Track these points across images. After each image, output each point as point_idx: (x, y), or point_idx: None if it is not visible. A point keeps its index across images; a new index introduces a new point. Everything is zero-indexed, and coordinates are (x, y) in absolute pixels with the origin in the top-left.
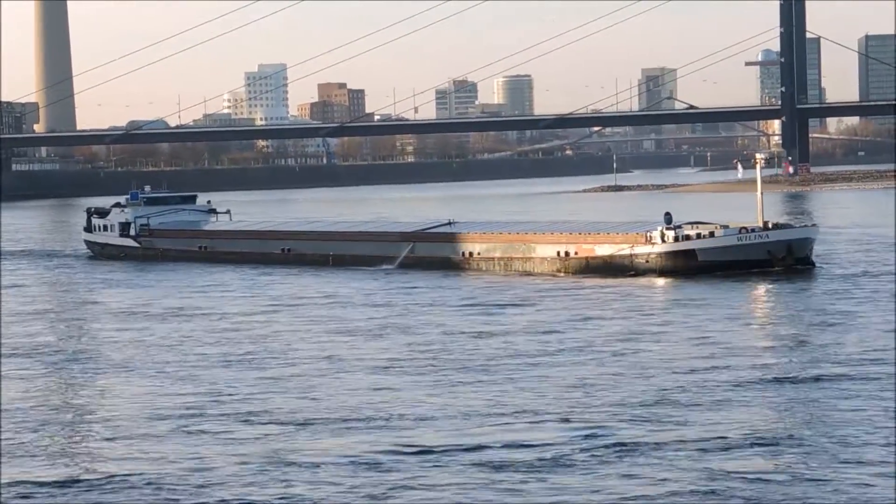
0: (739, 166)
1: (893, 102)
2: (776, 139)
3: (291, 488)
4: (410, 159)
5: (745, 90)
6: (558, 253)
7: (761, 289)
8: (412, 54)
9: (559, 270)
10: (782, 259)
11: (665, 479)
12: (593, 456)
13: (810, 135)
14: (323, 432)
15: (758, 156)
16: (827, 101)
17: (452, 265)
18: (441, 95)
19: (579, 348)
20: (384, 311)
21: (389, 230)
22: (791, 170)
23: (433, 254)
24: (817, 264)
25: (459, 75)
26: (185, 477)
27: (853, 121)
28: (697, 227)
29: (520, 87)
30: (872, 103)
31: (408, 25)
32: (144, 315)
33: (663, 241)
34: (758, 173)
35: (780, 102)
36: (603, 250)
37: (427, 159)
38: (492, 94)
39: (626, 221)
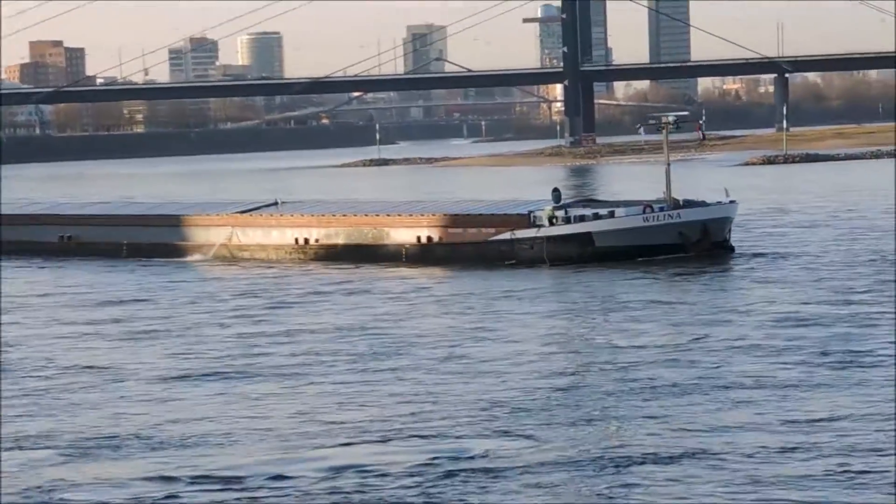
0: (642, 131)
1: (687, 64)
2: (558, 105)
3: None
4: (140, 130)
5: (524, 51)
6: (418, 239)
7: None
8: (141, 8)
9: (419, 259)
10: (697, 243)
11: None
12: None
13: (596, 101)
14: (101, 458)
15: (666, 117)
16: (614, 63)
17: (283, 255)
18: (176, 56)
19: (396, 351)
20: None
21: (201, 213)
22: (702, 133)
23: (256, 241)
24: (737, 248)
25: (197, 32)
26: None
27: (643, 85)
28: (592, 206)
29: (268, 46)
30: (664, 65)
31: None
32: None
33: (552, 223)
34: (665, 139)
35: (561, 64)
36: (475, 235)
37: (160, 129)
38: (235, 53)
39: (503, 200)
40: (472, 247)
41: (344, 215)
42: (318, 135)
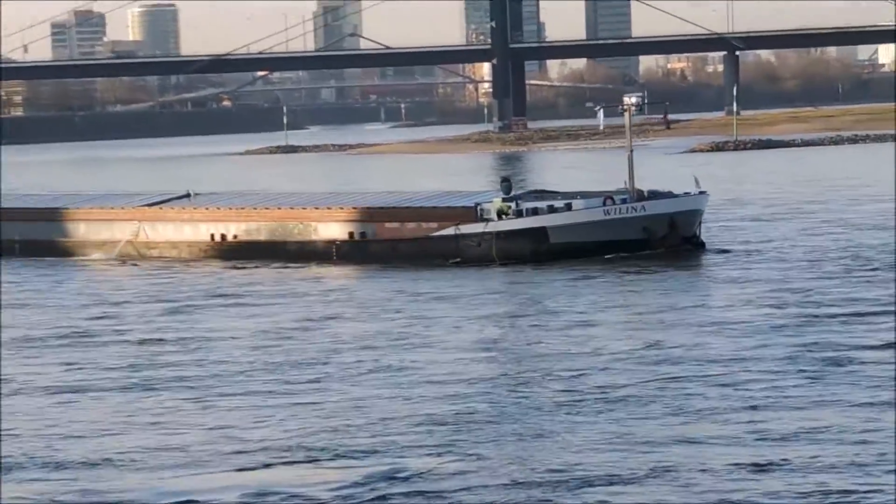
0: (600, 114)
1: (628, 40)
2: (486, 87)
3: None
4: (19, 113)
5: (448, 26)
6: (351, 234)
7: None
8: None
9: (352, 257)
10: (663, 238)
11: None
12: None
13: (527, 81)
14: None
15: (627, 99)
16: (547, 40)
17: (198, 253)
18: (59, 30)
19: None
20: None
21: (104, 206)
22: (666, 119)
23: (167, 238)
24: (707, 245)
25: (82, 5)
26: None
27: (579, 64)
28: (546, 198)
29: (161, 20)
30: (602, 42)
31: None
32: None
33: (501, 216)
34: (627, 122)
35: (489, 41)
36: (415, 230)
37: (41, 113)
38: (125, 28)
39: (447, 191)
40: (411, 243)
41: (266, 208)
42: (219, 119)
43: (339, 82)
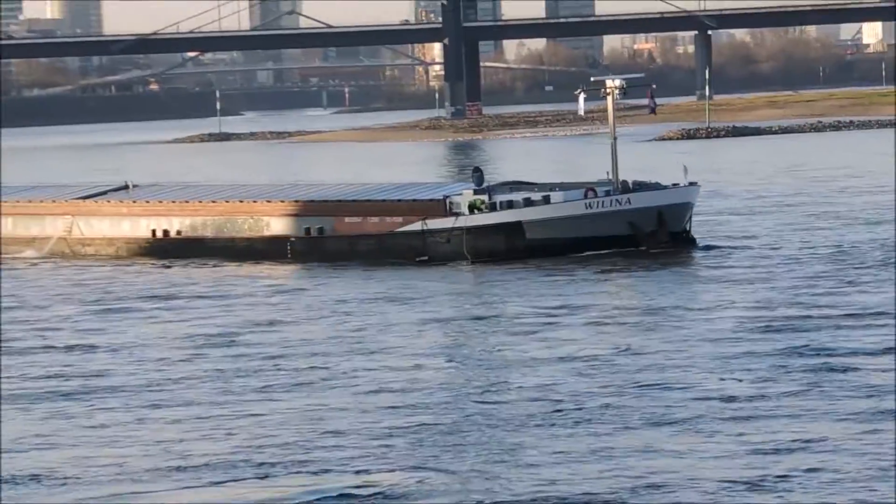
0: (581, 98)
1: (591, 19)
2: (437, 69)
3: None
4: None
5: (395, 4)
6: (307, 230)
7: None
8: None
9: (307, 254)
10: (651, 234)
11: None
12: None
13: (482, 63)
14: None
15: (610, 81)
16: (503, 19)
17: (138, 250)
18: None
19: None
20: None
21: (34, 198)
22: (652, 103)
23: (103, 234)
24: (699, 241)
25: None
26: None
27: (539, 45)
28: (522, 190)
29: None
30: (563, 21)
31: None
32: None
33: (473, 210)
34: (610, 107)
35: (440, 20)
36: (378, 225)
37: None
38: (42, 6)
39: (406, 183)
40: (373, 240)
41: (213, 201)
42: (146, 104)
43: (277, 64)
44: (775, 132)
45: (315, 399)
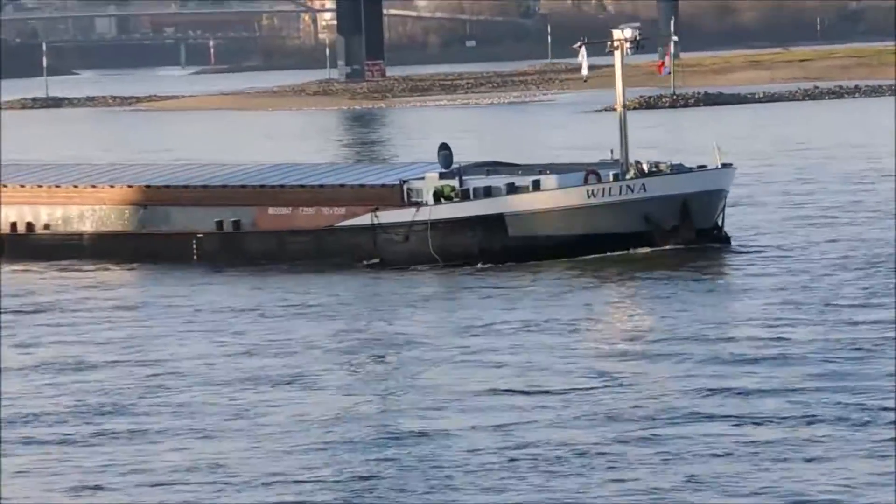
0: (583, 52)
1: None
2: (327, 19)
3: None
4: None
5: None
6: (219, 224)
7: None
8: None
9: (220, 256)
10: (672, 231)
11: None
12: None
13: (385, 11)
14: None
15: (619, 32)
16: None
17: None
18: None
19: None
20: None
21: None
22: (665, 65)
23: None
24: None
25: None
26: None
27: None
28: (503, 173)
29: None
30: None
31: None
32: None
33: (440, 199)
34: (618, 65)
35: None
36: (313, 218)
37: None
38: None
39: (354, 164)
40: (307, 237)
41: (94, 186)
42: None
43: (122, 9)
44: (759, 100)
45: (218, 442)
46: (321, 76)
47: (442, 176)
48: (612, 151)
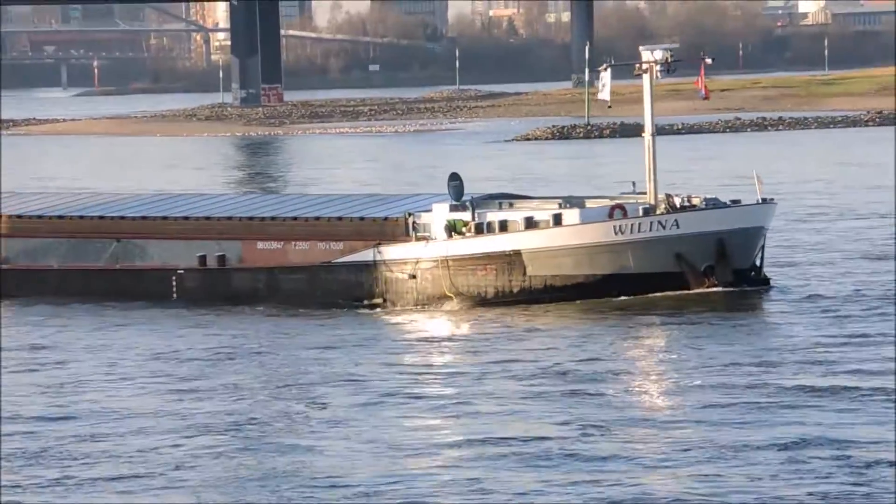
0: (607, 77)
1: None
2: (221, 38)
3: None
4: None
5: None
6: (202, 260)
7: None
8: None
9: (201, 295)
10: (706, 272)
11: None
12: None
13: (283, 32)
14: None
15: (648, 53)
16: None
17: None
18: None
19: None
20: None
21: None
22: (703, 89)
23: None
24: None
25: None
26: None
27: (361, 7)
28: (518, 205)
29: None
30: None
31: None
32: None
33: (453, 233)
34: (647, 88)
35: None
36: (307, 254)
37: None
38: None
39: (352, 194)
40: (300, 274)
41: (60, 218)
42: None
43: None
44: (678, 131)
45: None
46: (214, 100)
47: (453, 208)
48: (633, 184)
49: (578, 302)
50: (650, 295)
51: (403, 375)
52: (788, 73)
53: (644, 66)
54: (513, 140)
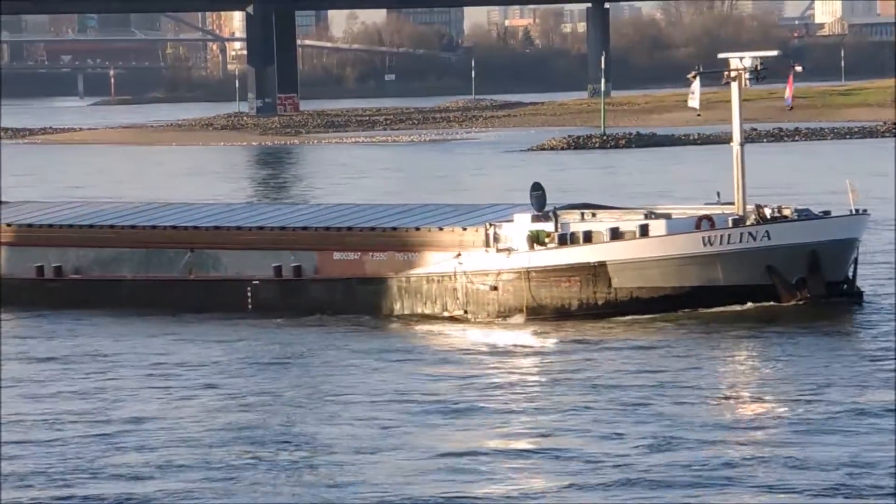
0: (696, 84)
1: None
2: (238, 48)
3: None
4: None
5: None
6: (278, 270)
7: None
8: None
9: (276, 305)
10: (799, 285)
11: None
12: None
13: (300, 42)
14: None
15: (736, 61)
16: None
17: (14, 295)
18: None
19: None
20: None
21: None
22: (790, 97)
23: None
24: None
25: None
26: None
27: (378, 17)
28: (600, 216)
29: None
30: None
31: None
32: None
33: (536, 244)
34: (735, 97)
35: None
36: (385, 264)
37: None
38: None
39: (426, 203)
40: (377, 285)
41: (133, 227)
42: None
43: (14, 35)
44: (694, 141)
45: None
46: (230, 109)
47: (535, 219)
48: (718, 194)
49: (665, 314)
50: (738, 307)
51: (471, 391)
52: (805, 84)
53: (733, 74)
54: (525, 150)
